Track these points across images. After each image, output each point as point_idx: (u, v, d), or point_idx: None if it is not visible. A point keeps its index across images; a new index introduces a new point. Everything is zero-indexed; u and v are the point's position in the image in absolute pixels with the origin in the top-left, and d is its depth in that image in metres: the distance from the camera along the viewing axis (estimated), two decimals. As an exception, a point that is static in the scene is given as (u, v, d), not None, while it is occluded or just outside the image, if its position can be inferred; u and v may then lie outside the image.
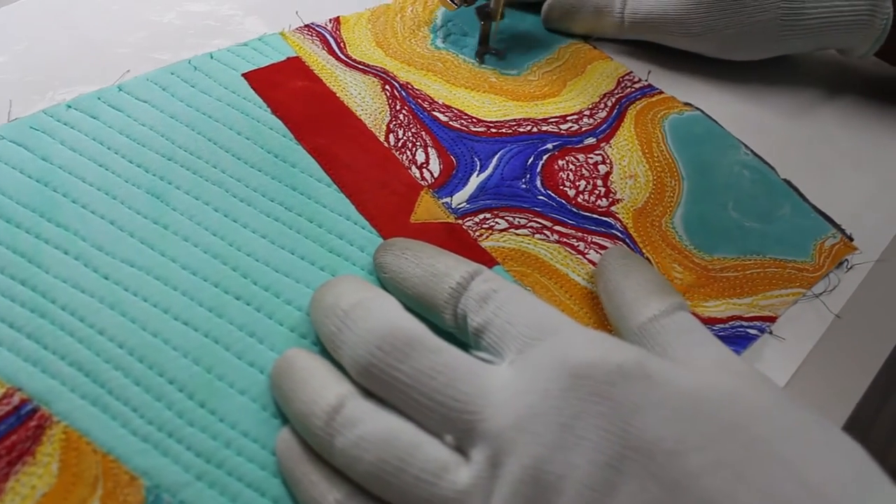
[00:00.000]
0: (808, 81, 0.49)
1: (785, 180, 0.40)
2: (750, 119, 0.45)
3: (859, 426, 0.34)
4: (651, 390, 0.23)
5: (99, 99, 0.37)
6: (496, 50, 0.46)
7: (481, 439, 0.24)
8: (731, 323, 0.34)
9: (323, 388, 0.26)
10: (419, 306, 0.30)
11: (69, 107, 0.37)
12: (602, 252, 0.35)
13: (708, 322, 0.33)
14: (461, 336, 0.29)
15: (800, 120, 0.46)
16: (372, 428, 0.24)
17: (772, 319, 0.34)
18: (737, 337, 0.33)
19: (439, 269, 0.29)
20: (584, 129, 0.41)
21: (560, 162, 0.39)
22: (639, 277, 0.30)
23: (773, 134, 0.44)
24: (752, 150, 0.41)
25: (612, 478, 0.22)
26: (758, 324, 0.34)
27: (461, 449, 0.24)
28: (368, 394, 0.26)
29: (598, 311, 0.33)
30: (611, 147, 0.40)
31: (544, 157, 0.39)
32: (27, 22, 0.43)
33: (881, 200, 0.42)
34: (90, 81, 0.39)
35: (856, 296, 0.36)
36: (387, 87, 0.41)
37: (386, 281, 0.31)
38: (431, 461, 0.24)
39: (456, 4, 0.44)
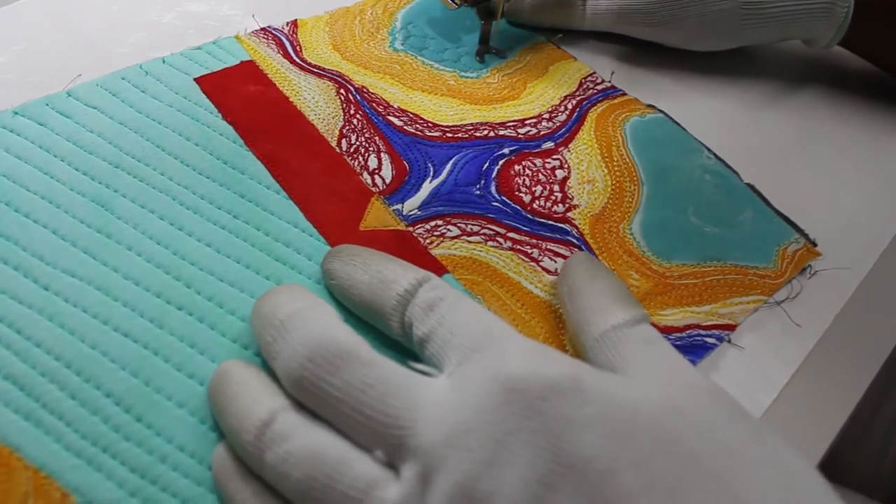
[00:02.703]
0: (772, 75, 0.49)
1: (748, 184, 0.39)
2: (715, 117, 0.44)
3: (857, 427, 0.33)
4: (585, 406, 0.23)
5: (47, 105, 0.37)
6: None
7: (412, 455, 0.23)
8: (688, 332, 0.33)
9: (255, 401, 0.25)
10: (367, 314, 0.29)
11: (16, 113, 0.36)
12: (556, 260, 0.34)
13: (664, 331, 0.33)
14: (408, 345, 0.28)
15: (764, 115, 0.45)
16: (301, 443, 0.24)
17: (731, 328, 0.33)
18: (693, 346, 0.32)
19: (387, 276, 0.29)
20: (542, 132, 0.40)
21: (516, 167, 0.38)
22: (605, 284, 0.30)
23: (738, 131, 0.44)
24: (714, 154, 0.41)
25: (543, 495, 0.21)
26: (716, 332, 0.33)
27: (392, 465, 0.24)
28: (302, 407, 0.25)
29: (549, 320, 0.32)
30: (569, 151, 0.40)
31: (500, 163, 0.38)
32: (27, 22, 0.43)
33: (848, 199, 0.41)
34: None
35: (832, 326, 0.35)
36: (342, 91, 0.41)
37: (333, 288, 0.31)
38: (360, 478, 0.23)
39: (456, 4, 0.43)
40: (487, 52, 0.45)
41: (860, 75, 0.50)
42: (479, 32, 0.45)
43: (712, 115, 0.44)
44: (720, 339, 0.33)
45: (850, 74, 0.50)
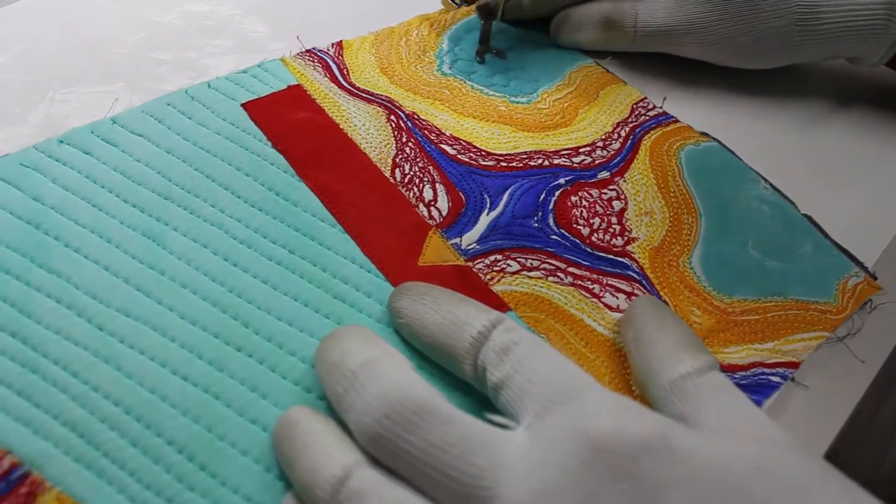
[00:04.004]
0: (820, 95, 0.48)
1: (805, 215, 0.38)
2: (767, 139, 0.44)
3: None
4: (676, 466, 0.22)
5: (92, 133, 0.36)
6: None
7: None
8: (752, 370, 0.32)
9: (328, 456, 0.24)
10: (437, 356, 0.29)
11: (61, 142, 0.35)
12: (618, 295, 0.34)
13: (729, 369, 0.32)
14: (481, 389, 0.28)
15: (815, 137, 0.45)
16: (380, 503, 0.23)
17: (795, 365, 0.33)
18: (759, 385, 0.32)
19: (459, 317, 0.28)
20: (597, 161, 0.40)
21: (573, 198, 0.37)
22: (672, 331, 0.29)
23: (790, 154, 0.43)
24: (770, 184, 0.40)
25: (634, 560, 0.21)
26: (780, 370, 0.32)
27: None
28: (377, 462, 0.24)
29: (614, 359, 0.32)
30: (625, 181, 0.39)
31: (556, 193, 0.38)
32: (27, 22, 0.43)
33: (850, 201, 0.41)
34: (90, 81, 0.39)
35: (879, 338, 0.35)
36: (392, 117, 0.40)
37: (401, 327, 0.30)
38: None
39: (457, 4, 0.43)
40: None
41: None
42: (525, 54, 0.44)
43: (762, 140, 0.43)
44: (784, 378, 0.32)
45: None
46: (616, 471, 0.22)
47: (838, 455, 0.30)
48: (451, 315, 0.28)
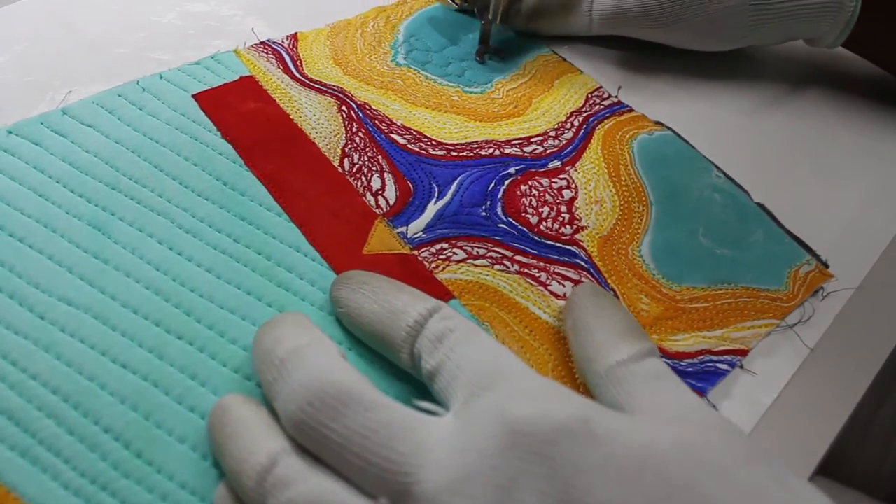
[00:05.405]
0: (774, 79, 0.48)
1: (758, 204, 0.38)
2: (722, 125, 0.44)
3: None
4: (595, 449, 0.22)
5: (42, 124, 0.36)
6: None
7: (416, 502, 0.22)
8: (699, 358, 0.32)
9: (255, 444, 0.24)
10: (376, 344, 0.29)
11: (10, 132, 0.35)
12: (565, 283, 0.34)
13: (676, 357, 0.32)
14: (419, 377, 0.28)
15: (773, 121, 0.45)
16: (304, 490, 0.23)
17: (743, 353, 0.33)
18: (706, 373, 0.32)
19: (396, 305, 0.28)
20: (548, 151, 0.40)
21: (523, 187, 0.37)
22: (610, 318, 0.29)
23: (745, 139, 0.43)
24: (724, 173, 0.40)
25: (552, 544, 0.21)
26: (728, 358, 0.32)
27: None
28: (304, 449, 0.24)
29: (559, 347, 0.32)
30: (576, 171, 0.39)
31: (506, 182, 0.37)
32: (27, 22, 0.43)
33: (848, 200, 0.41)
34: (90, 81, 0.39)
35: (832, 327, 0.35)
36: (343, 107, 0.40)
37: (342, 316, 0.30)
38: None
39: (456, 4, 0.43)
40: (487, 52, 0.45)
41: (861, 77, 0.49)
42: (484, 36, 0.45)
43: (716, 123, 0.44)
44: (732, 365, 0.32)
45: (852, 76, 0.49)
46: (535, 455, 0.22)
47: (839, 455, 0.30)
48: (388, 304, 0.28)
